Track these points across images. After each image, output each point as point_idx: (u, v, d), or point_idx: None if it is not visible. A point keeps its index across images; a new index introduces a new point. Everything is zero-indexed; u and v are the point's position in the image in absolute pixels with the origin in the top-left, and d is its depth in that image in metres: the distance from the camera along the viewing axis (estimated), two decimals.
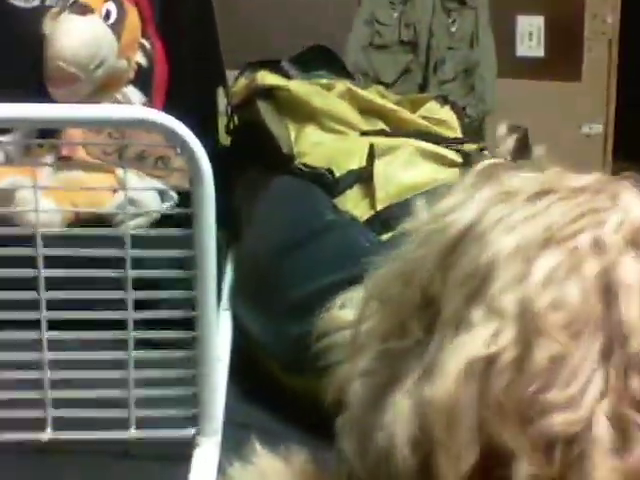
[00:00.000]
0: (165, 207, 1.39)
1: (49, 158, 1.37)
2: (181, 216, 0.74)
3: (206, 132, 1.61)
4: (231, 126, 1.56)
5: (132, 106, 1.39)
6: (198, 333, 0.69)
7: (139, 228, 1.06)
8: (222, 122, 1.66)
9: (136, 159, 1.36)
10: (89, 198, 1.33)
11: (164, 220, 1.14)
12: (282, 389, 0.86)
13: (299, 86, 1.33)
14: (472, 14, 2.66)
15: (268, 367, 0.89)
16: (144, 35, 1.50)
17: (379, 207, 0.90)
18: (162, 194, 1.42)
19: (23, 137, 1.34)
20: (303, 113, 1.28)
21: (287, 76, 1.45)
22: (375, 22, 2.61)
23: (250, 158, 1.38)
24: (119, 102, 1.49)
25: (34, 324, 0.73)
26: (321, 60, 1.67)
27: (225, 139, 1.64)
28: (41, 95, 1.41)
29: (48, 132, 1.29)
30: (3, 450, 0.74)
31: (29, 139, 1.26)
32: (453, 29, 2.62)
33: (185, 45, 1.58)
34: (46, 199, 1.17)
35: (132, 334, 0.72)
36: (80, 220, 1.26)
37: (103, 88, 1.46)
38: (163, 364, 0.73)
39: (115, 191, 1.32)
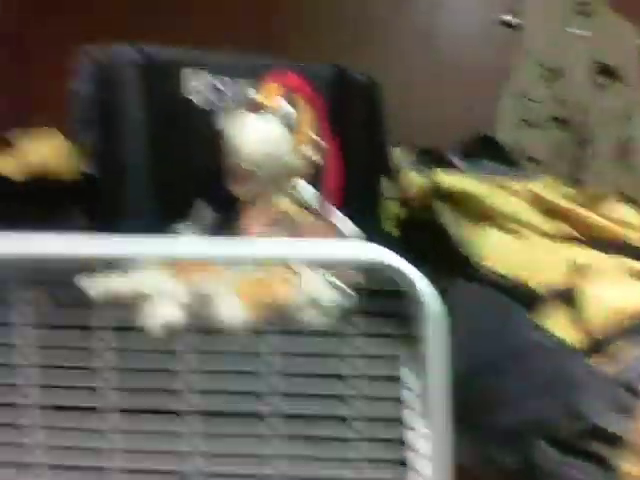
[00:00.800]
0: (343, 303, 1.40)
1: None
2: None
3: (374, 223, 1.64)
4: (400, 219, 1.58)
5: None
6: None
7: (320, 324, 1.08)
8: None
9: None
10: (270, 293, 1.36)
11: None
12: None
13: (476, 186, 1.33)
14: (624, 88, 2.62)
15: None
16: (317, 132, 1.54)
17: (588, 329, 0.88)
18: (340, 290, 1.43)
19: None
20: (480, 213, 1.28)
21: (456, 169, 1.47)
22: (525, 98, 2.59)
23: (422, 255, 1.39)
24: (292, 196, 1.53)
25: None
26: (484, 149, 1.68)
27: (390, 227, 1.66)
28: (221, 191, 1.48)
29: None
30: None
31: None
32: (605, 104, 2.58)
33: (356, 142, 1.61)
34: (231, 295, 1.23)
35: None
36: (261, 315, 1.30)
37: (277, 183, 1.51)
38: None
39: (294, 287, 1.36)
